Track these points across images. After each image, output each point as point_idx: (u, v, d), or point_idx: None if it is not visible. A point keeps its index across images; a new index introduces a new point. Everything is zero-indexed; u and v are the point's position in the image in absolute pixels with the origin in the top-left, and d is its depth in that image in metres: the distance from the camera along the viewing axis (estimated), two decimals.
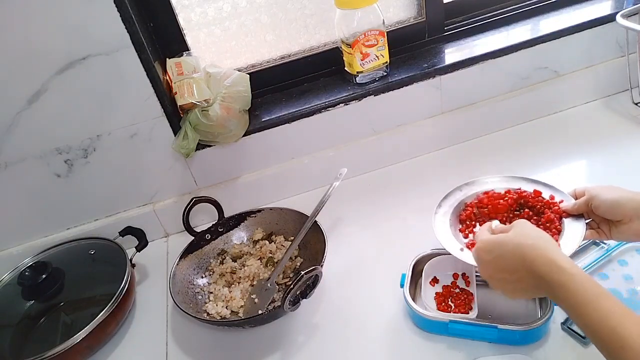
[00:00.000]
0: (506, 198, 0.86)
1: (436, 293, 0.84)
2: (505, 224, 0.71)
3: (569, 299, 0.58)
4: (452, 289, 0.85)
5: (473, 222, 0.87)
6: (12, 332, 0.94)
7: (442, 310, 0.81)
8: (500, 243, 0.66)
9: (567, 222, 0.79)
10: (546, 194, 0.85)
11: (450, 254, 0.80)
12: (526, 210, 0.85)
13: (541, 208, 0.83)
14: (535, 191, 0.86)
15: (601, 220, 0.76)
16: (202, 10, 1.04)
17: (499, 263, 0.66)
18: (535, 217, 0.83)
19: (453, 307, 0.82)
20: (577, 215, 0.79)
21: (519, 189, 0.87)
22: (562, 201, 0.82)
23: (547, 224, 0.80)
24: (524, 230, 0.66)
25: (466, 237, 0.85)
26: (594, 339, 0.57)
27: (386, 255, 0.98)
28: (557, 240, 0.76)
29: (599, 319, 0.56)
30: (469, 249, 0.79)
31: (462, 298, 0.82)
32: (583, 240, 0.76)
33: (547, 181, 0.87)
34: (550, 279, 0.60)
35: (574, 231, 0.77)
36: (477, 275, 0.84)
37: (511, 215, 0.86)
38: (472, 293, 0.82)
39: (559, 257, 0.61)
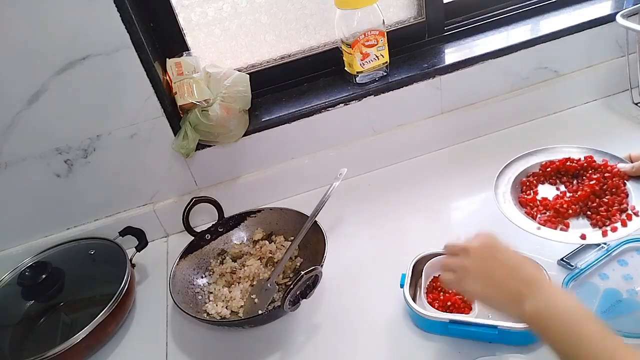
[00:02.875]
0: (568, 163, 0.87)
1: (436, 293, 0.84)
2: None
3: (550, 319, 0.58)
4: (452, 289, 0.84)
5: (535, 188, 0.88)
6: (12, 332, 0.94)
7: (442, 310, 0.81)
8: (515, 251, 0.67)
9: (631, 185, 0.79)
10: (598, 159, 0.85)
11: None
12: (592, 174, 0.84)
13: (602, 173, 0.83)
14: (586, 157, 0.85)
15: None
16: (202, 10, 1.04)
17: (504, 253, 0.66)
18: (601, 184, 0.83)
19: (453, 307, 0.81)
20: (637, 178, 0.79)
21: (569, 157, 0.88)
22: (616, 164, 0.83)
23: (613, 190, 0.79)
24: None
25: (529, 214, 0.85)
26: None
27: (386, 255, 0.97)
28: (627, 203, 0.77)
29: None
30: (545, 225, 0.79)
31: (462, 298, 0.82)
32: None
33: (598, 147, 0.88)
34: (539, 288, 0.61)
35: None
36: None
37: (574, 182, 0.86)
38: None
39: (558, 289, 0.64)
